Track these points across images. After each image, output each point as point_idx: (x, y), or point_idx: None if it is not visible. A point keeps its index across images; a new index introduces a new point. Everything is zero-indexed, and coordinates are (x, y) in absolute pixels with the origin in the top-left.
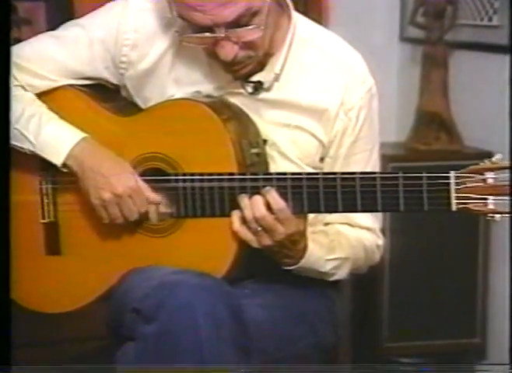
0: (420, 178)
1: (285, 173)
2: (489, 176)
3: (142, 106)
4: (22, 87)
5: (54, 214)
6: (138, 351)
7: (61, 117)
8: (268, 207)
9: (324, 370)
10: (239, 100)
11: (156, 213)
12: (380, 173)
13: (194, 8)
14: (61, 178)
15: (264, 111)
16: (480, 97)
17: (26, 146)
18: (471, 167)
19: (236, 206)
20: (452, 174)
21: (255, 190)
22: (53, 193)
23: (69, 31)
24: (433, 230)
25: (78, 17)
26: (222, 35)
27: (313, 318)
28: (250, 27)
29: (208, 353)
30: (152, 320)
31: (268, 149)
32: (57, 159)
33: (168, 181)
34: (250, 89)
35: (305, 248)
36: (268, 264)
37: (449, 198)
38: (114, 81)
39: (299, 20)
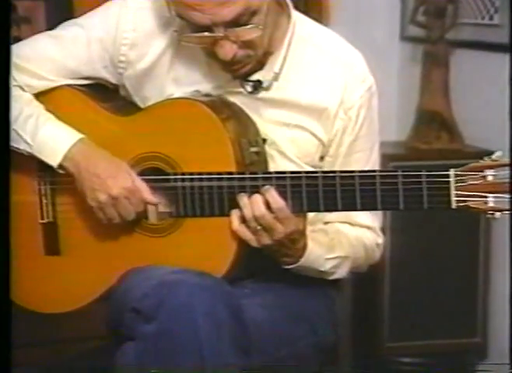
0: (420, 176)
1: (284, 172)
2: (489, 174)
3: (141, 105)
4: (20, 87)
5: (52, 214)
6: (137, 351)
7: (60, 117)
8: (268, 206)
9: (324, 370)
10: (238, 99)
11: (155, 213)
12: (380, 171)
13: (192, 7)
14: (59, 178)
15: (264, 110)
16: (481, 96)
17: (23, 147)
18: (471, 165)
19: (235, 205)
20: (452, 172)
21: (254, 189)
22: (51, 193)
23: (67, 31)
24: (434, 229)
25: (77, 16)
26: (221, 34)
27: (313, 318)
28: (249, 26)
29: (208, 352)
30: (152, 320)
31: (268, 148)
32: (54, 160)
33: (167, 181)
34: (249, 88)
35: (304, 247)
36: (268, 264)
37: (449, 196)
38: (113, 80)
39: (298, 19)
